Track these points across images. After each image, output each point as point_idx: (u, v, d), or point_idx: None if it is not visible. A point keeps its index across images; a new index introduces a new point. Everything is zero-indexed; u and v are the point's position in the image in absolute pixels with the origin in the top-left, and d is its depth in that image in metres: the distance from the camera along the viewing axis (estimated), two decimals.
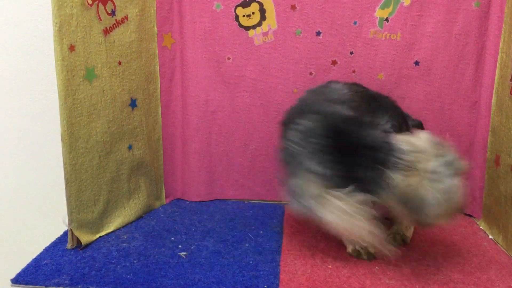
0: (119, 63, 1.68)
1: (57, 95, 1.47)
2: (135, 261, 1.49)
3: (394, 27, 1.87)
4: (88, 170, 1.59)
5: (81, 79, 1.53)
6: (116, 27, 1.66)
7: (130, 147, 1.78)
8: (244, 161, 2.06)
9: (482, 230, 1.79)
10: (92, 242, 1.62)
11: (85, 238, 1.58)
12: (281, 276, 1.40)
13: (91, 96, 1.57)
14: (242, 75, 1.97)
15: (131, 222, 1.80)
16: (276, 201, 2.07)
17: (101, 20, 1.59)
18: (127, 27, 1.71)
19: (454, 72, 1.88)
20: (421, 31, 1.86)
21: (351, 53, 1.92)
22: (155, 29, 1.86)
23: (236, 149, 2.05)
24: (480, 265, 1.48)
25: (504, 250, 1.60)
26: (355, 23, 1.89)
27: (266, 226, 1.80)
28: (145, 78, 1.82)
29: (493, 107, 1.78)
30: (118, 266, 1.46)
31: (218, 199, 2.09)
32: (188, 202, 2.06)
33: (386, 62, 1.90)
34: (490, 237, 1.71)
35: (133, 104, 1.77)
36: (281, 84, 1.97)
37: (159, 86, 1.91)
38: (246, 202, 2.09)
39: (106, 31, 1.61)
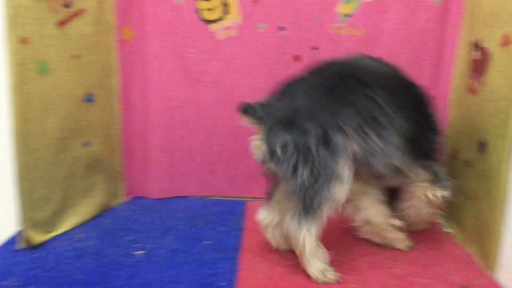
0: (75, 56, 1.63)
1: (8, 90, 1.42)
2: (89, 261, 1.44)
3: (356, 23, 1.87)
4: (41, 168, 1.53)
5: (33, 73, 1.47)
6: (71, 19, 1.60)
7: (86, 144, 1.73)
8: (207, 157, 2.03)
9: (440, 223, 1.80)
10: (45, 242, 1.56)
11: (38, 238, 1.53)
12: (240, 274, 1.38)
13: (45, 91, 1.52)
14: (205, 70, 1.94)
15: (87, 221, 1.75)
16: (238, 197, 2.05)
17: (55, 12, 1.53)
18: (83, 19, 1.65)
19: (415, 68, 1.88)
20: (383, 27, 1.87)
21: (314, 48, 1.91)
22: (114, 21, 1.81)
23: (199, 145, 2.02)
24: (436, 258, 1.49)
25: (460, 242, 1.62)
26: (317, 18, 1.88)
27: (228, 223, 1.78)
28: (103, 73, 1.78)
29: (451, 102, 1.80)
30: (71, 267, 1.41)
31: (180, 196, 2.06)
32: (148, 200, 2.02)
33: None
34: (447, 230, 1.73)
35: (89, 99, 1.72)
36: (244, 79, 1.94)
37: (118, 80, 1.87)
38: (209, 198, 2.06)
39: (61, 24, 1.56)
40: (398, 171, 1.42)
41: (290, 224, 1.32)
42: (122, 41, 1.87)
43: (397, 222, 1.53)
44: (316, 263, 1.34)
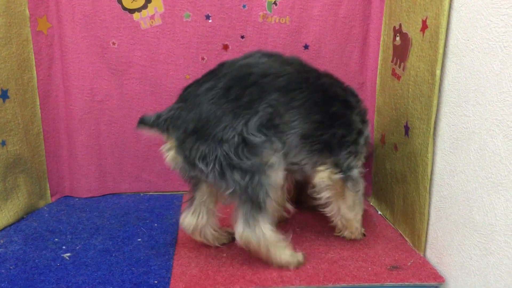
0: None
1: None
2: (11, 267, 1.35)
3: (282, 11, 1.87)
4: None
5: None
6: None
7: (3, 143, 1.61)
8: (138, 151, 1.97)
9: (372, 206, 1.86)
10: None
11: None
12: (174, 270, 1.35)
13: None
14: (129, 61, 1.87)
15: (10, 225, 1.64)
16: (173, 191, 2.01)
17: None
18: None
19: (342, 55, 1.92)
20: (309, 15, 1.87)
21: (242, 37, 1.89)
22: (27, 12, 1.69)
23: (128, 139, 1.95)
24: (368, 241, 1.53)
25: (391, 224, 1.67)
26: (244, 6, 1.86)
27: (162, 219, 1.73)
28: (17, 67, 1.66)
29: (377, 87, 1.85)
30: None
31: (112, 194, 1.98)
32: (77, 199, 1.93)
33: (277, 46, 1.90)
34: (379, 212, 1.79)
35: (4, 95, 1.60)
36: (172, 70, 1.89)
37: (35, 75, 1.75)
38: (142, 194, 2.00)
39: None
40: (298, 165, 1.42)
41: (245, 231, 1.28)
42: (37, 33, 1.75)
43: (289, 206, 1.60)
44: (284, 251, 1.33)
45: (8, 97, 1.62)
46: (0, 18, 1.56)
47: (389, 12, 1.74)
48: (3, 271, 1.34)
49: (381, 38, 1.82)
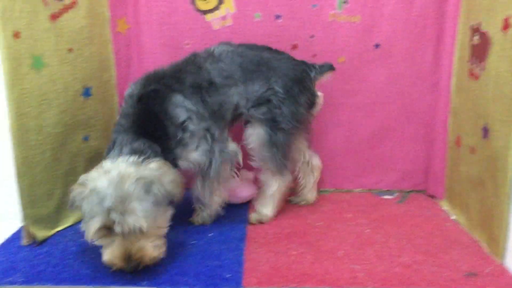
0: (70, 50, 1.60)
1: (3, 85, 1.40)
2: (94, 256, 1.42)
3: (353, 10, 1.85)
4: (40, 163, 1.51)
5: (28, 68, 1.44)
6: (64, 12, 1.57)
7: (86, 138, 1.70)
8: None
9: (445, 211, 1.80)
10: (49, 237, 1.55)
11: (41, 234, 1.51)
12: (245, 265, 1.37)
13: (41, 86, 1.49)
14: None
15: None
16: None
17: (47, 5, 1.50)
18: (76, 12, 1.62)
19: (414, 55, 1.88)
20: (380, 13, 1.85)
21: (312, 36, 1.89)
22: (108, 13, 1.78)
23: None
24: (443, 246, 1.49)
25: (466, 230, 1.61)
26: (314, 6, 1.86)
27: (231, 214, 1.76)
28: (98, 66, 1.74)
29: (452, 88, 1.79)
30: (76, 262, 1.40)
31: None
32: None
33: (346, 45, 1.89)
34: (453, 217, 1.73)
35: (86, 93, 1.69)
36: None
37: (114, 74, 1.84)
38: None
39: (54, 17, 1.53)
40: None
41: None
42: (117, 33, 1.83)
43: None
44: None
45: (91, 95, 1.71)
46: (83, 20, 1.65)
47: (466, 11, 1.69)
48: (86, 259, 1.42)
49: (457, 37, 1.76)
